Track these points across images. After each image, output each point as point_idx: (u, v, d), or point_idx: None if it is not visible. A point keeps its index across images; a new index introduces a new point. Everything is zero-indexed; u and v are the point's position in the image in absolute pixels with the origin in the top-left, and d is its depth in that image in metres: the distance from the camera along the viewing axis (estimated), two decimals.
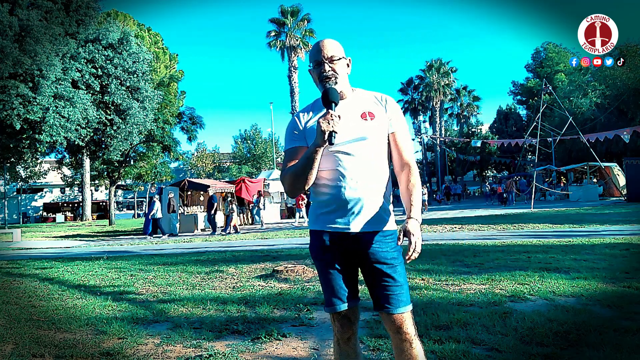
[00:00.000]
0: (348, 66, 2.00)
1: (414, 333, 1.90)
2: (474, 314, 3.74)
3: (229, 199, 18.33)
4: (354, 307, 1.98)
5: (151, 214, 17.90)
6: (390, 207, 2.03)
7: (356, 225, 1.90)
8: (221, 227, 18.29)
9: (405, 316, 1.88)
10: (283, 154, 2.06)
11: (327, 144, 1.76)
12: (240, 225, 21.23)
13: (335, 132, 1.74)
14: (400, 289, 1.89)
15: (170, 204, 18.37)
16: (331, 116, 1.75)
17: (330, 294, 1.96)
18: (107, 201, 38.38)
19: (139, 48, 26.81)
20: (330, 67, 1.92)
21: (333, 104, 1.81)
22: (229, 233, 16.68)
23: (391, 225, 1.99)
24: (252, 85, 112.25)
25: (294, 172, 1.89)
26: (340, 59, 1.95)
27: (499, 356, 2.88)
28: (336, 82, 1.92)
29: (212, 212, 17.53)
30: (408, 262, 1.79)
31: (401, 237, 1.84)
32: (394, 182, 2.09)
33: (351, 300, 1.96)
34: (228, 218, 17.62)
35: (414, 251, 1.78)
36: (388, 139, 2.00)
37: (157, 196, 18.67)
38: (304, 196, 18.63)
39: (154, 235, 17.60)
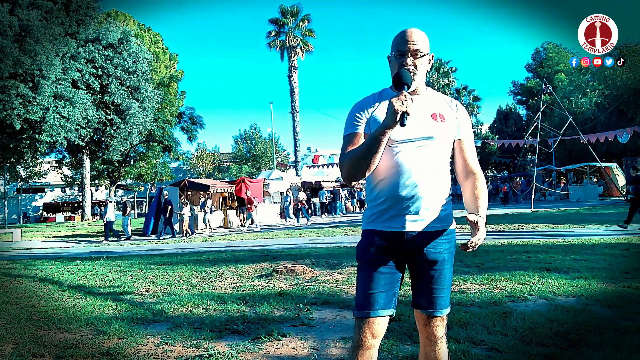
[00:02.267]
0: (429, 62, 1.92)
1: (441, 335, 1.85)
2: (474, 314, 3.74)
3: (183, 199, 17.66)
4: (385, 319, 1.82)
5: (105, 217, 17.42)
6: (450, 206, 1.95)
7: (411, 225, 1.82)
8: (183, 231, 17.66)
9: (438, 318, 1.85)
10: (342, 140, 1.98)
11: (398, 124, 1.67)
12: (238, 225, 21.25)
13: (408, 114, 1.66)
14: (441, 292, 1.84)
15: (126, 207, 18.00)
16: (405, 96, 1.67)
17: (364, 298, 1.82)
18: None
19: (139, 48, 26.85)
20: (412, 61, 1.84)
21: (406, 86, 1.75)
22: (183, 236, 16.34)
23: (448, 225, 1.91)
24: (252, 85, 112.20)
25: (355, 155, 1.77)
26: (424, 55, 1.87)
27: (499, 356, 2.88)
28: (414, 79, 1.83)
29: (167, 215, 16.93)
30: (469, 250, 1.70)
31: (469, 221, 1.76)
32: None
33: (384, 309, 1.81)
34: (181, 220, 17.09)
35: (477, 241, 1.71)
36: (453, 145, 1.93)
37: (110, 199, 18.34)
38: (253, 199, 18.13)
39: (110, 240, 16.83)
